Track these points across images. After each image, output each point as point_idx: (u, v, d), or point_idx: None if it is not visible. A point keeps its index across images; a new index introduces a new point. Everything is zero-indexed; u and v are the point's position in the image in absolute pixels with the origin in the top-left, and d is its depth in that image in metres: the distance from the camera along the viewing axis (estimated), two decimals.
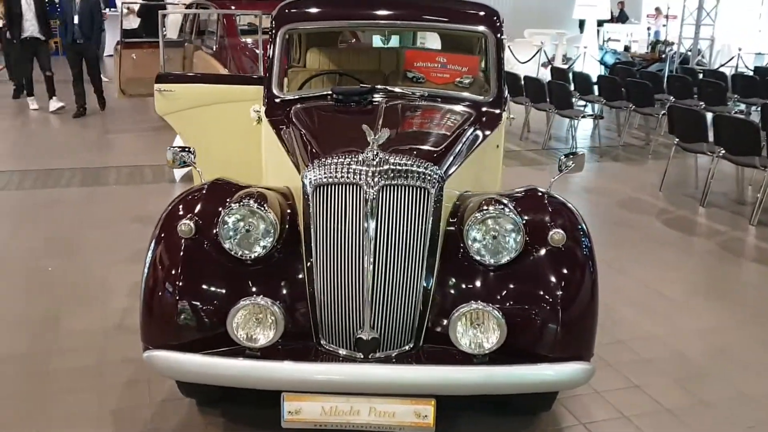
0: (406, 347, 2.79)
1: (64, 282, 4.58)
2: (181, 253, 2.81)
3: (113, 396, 3.31)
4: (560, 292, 2.75)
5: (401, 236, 2.74)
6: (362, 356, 2.73)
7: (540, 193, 3.09)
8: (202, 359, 2.67)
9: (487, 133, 3.89)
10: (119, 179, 7.17)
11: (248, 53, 8.37)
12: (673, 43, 16.02)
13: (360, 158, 2.75)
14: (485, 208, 2.82)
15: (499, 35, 4.24)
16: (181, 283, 2.76)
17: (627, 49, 17.62)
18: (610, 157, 8.93)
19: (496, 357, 2.70)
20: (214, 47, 8.88)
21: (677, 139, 7.18)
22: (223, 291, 2.76)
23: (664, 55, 15.55)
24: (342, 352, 2.76)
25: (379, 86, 4.05)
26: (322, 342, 2.80)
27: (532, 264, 2.81)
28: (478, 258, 2.81)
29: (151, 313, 2.79)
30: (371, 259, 2.69)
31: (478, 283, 2.81)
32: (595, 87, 10.36)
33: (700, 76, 11.73)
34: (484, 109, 4.04)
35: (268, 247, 2.82)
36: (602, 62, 15.57)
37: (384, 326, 2.75)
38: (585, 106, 10.73)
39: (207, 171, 3.22)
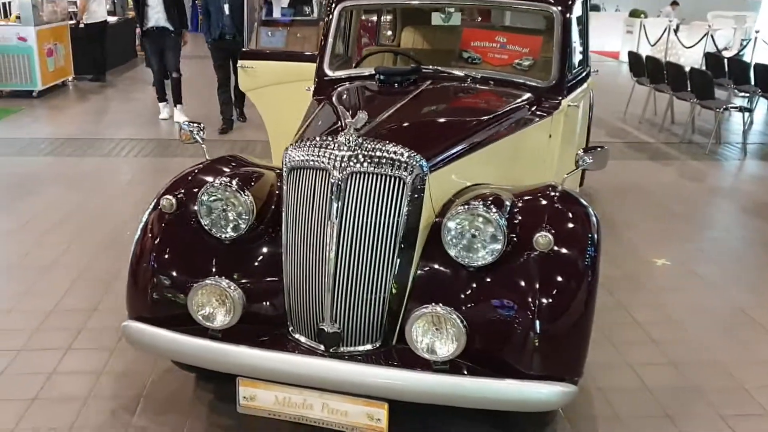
0: (372, 345, 2.63)
1: None
2: (160, 228, 2.83)
3: (122, 359, 3.42)
4: (539, 302, 2.46)
5: (369, 227, 2.57)
6: (324, 349, 2.61)
7: (551, 193, 2.78)
8: (166, 335, 2.68)
9: (535, 121, 3.59)
10: None
11: (369, 30, 8.33)
12: None
13: (334, 142, 2.61)
14: (466, 204, 2.58)
15: (568, 14, 3.88)
16: (156, 258, 2.78)
17: None
18: (758, 156, 7.99)
19: (465, 366, 2.48)
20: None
21: None
22: (194, 268, 2.74)
23: None
24: (306, 342, 2.66)
25: (426, 67, 3.86)
26: (290, 330, 2.71)
27: (513, 268, 2.54)
28: (455, 257, 2.57)
29: (131, 284, 2.83)
30: (334, 249, 2.55)
31: (451, 284, 2.58)
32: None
33: None
34: (537, 95, 3.72)
35: (242, 229, 2.76)
36: None
37: (348, 320, 2.60)
38: (747, 96, 9.67)
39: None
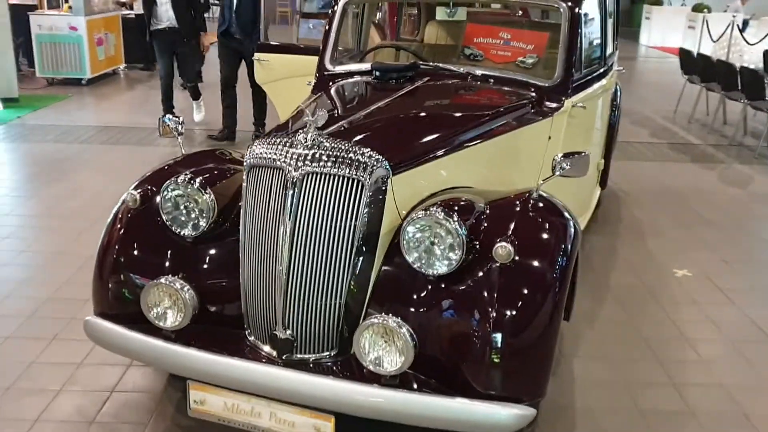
0: (327, 353, 2.53)
1: None
2: (123, 224, 2.79)
3: (102, 352, 3.38)
4: (496, 316, 2.31)
5: (325, 230, 2.46)
6: (276, 355, 2.52)
7: (528, 200, 2.61)
8: (120, 332, 2.64)
9: (532, 121, 3.42)
10: None
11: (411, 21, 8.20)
12: None
13: (293, 140, 2.51)
14: (426, 210, 2.45)
15: (576, 10, 3.69)
16: (117, 254, 2.75)
17: None
18: None
19: (421, 381, 2.36)
20: (378, 16, 8.83)
21: None
22: (152, 266, 2.70)
23: None
24: (261, 348, 2.58)
25: (426, 63, 3.73)
26: (247, 334, 2.64)
27: (472, 279, 2.39)
28: (412, 263, 2.44)
29: (95, 278, 2.81)
30: (287, 251, 2.46)
31: (409, 293, 2.45)
32: None
33: None
34: (539, 94, 3.54)
35: (201, 228, 2.70)
36: None
37: (301, 326, 2.50)
38: None
39: None
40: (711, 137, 8.37)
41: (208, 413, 2.56)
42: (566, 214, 2.66)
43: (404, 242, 2.45)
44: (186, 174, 2.74)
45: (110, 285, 2.73)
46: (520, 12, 6.83)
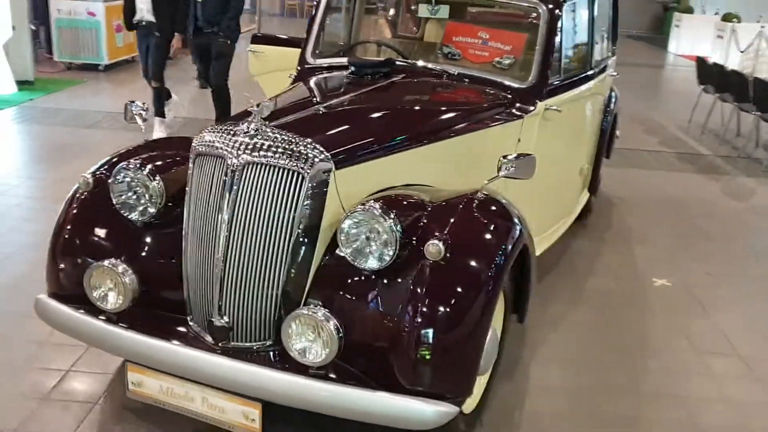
0: (264, 342, 2.55)
1: None
2: (76, 206, 2.83)
3: None
4: (424, 314, 2.31)
5: (262, 220, 2.47)
6: (213, 342, 2.55)
7: (473, 200, 2.60)
8: (64, 312, 2.68)
9: (500, 123, 3.41)
10: None
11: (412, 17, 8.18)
12: None
13: (236, 129, 2.54)
14: (363, 204, 2.45)
15: (556, 12, 3.66)
16: (67, 235, 2.80)
17: None
18: None
19: (349, 374, 2.37)
20: (391, 11, 8.82)
21: None
22: (100, 249, 2.74)
23: None
24: (199, 333, 2.60)
25: (403, 61, 3.73)
26: (189, 319, 2.67)
27: (403, 276, 2.39)
28: (347, 257, 2.45)
29: (48, 259, 2.85)
30: (223, 240, 2.48)
31: (343, 287, 2.46)
32: None
33: None
34: (512, 96, 3.52)
35: (149, 213, 2.74)
36: None
37: (238, 314, 2.53)
38: None
39: None
40: (722, 148, 8.23)
41: (144, 395, 2.60)
42: (511, 215, 2.65)
43: (341, 236, 2.46)
44: (137, 160, 2.78)
45: (61, 265, 2.77)
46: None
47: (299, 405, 2.36)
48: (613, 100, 5.28)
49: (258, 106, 2.53)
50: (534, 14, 3.67)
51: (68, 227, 2.80)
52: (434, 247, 2.33)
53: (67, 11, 10.33)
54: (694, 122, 9.28)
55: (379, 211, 2.41)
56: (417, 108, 3.27)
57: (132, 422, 2.86)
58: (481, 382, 2.86)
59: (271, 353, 2.53)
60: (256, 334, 2.55)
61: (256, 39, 5.29)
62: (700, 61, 9.22)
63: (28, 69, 9.23)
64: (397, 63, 3.69)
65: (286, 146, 2.48)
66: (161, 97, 7.22)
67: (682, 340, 3.77)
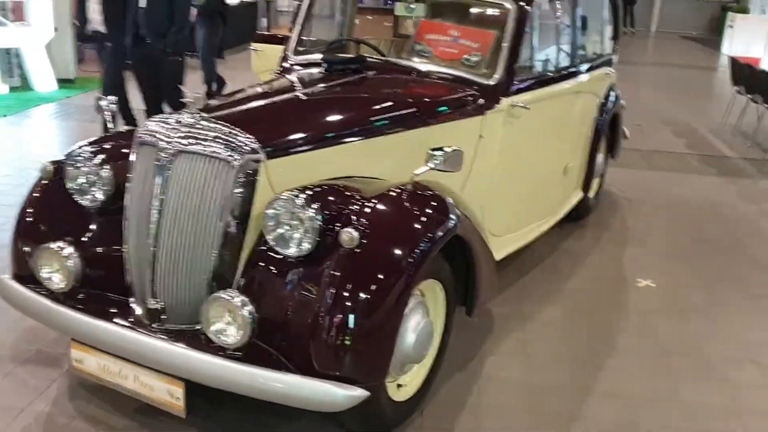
0: (196, 325, 2.65)
1: None
2: (36, 192, 3.02)
3: None
4: (336, 299, 2.39)
5: (191, 208, 2.60)
6: (148, 323, 2.68)
7: (400, 191, 2.67)
8: (17, 290, 2.86)
9: (459, 118, 3.45)
10: None
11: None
12: None
13: (170, 119, 2.67)
14: (288, 192, 2.54)
15: (525, 9, 3.68)
16: (27, 219, 2.98)
17: None
18: None
19: (270, 355, 2.46)
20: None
21: None
22: (53, 232, 2.90)
23: None
24: (138, 314, 2.73)
25: (372, 57, 3.81)
26: (131, 301, 2.80)
27: (321, 263, 2.47)
28: (270, 243, 2.55)
29: (12, 241, 3.03)
30: (155, 226, 2.62)
31: (268, 273, 2.56)
32: None
33: None
34: (478, 92, 3.56)
35: (99, 200, 2.89)
36: None
37: (170, 298, 2.66)
38: None
39: None
40: (751, 151, 8.00)
41: (85, 372, 2.75)
42: (441, 206, 2.70)
43: (265, 223, 2.55)
44: (93, 149, 2.94)
45: (20, 247, 2.95)
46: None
47: (216, 384, 2.46)
48: (612, 98, 5.22)
49: (192, 99, 2.65)
50: (503, 12, 3.70)
51: (29, 211, 2.98)
52: (347, 235, 2.41)
53: None
54: (728, 124, 9.05)
55: (301, 200, 2.50)
56: (370, 102, 3.34)
57: (83, 398, 3.00)
58: (417, 371, 2.93)
59: (202, 336, 2.63)
60: (188, 317, 2.66)
61: (257, 37, 5.45)
62: (733, 61, 8.98)
63: (69, 68, 9.65)
64: (369, 60, 3.77)
65: (216, 136, 2.59)
66: (123, 108, 6.55)
67: (650, 341, 3.73)
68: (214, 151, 2.57)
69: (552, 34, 4.07)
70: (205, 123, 2.62)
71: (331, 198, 2.60)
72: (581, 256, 4.77)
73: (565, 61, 4.27)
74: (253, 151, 2.60)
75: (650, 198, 6.10)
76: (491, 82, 3.60)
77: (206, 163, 2.58)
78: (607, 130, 5.29)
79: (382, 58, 3.85)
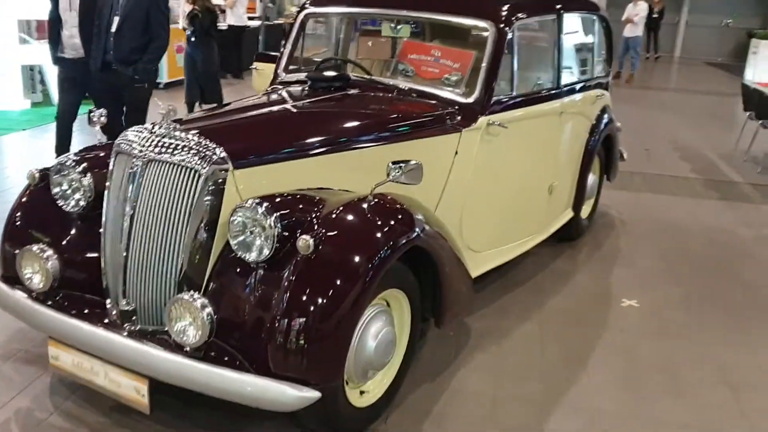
0: (165, 326, 2.78)
1: None
2: (24, 198, 3.18)
3: None
4: (290, 303, 2.50)
5: (160, 215, 2.74)
6: (120, 323, 2.81)
7: (360, 202, 2.78)
8: (2, 290, 3.00)
9: (434, 134, 3.56)
10: None
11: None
12: None
13: (144, 129, 2.82)
14: (249, 201, 2.67)
15: (505, 31, 3.78)
16: (13, 223, 3.14)
17: None
18: None
19: (229, 356, 2.57)
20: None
21: None
22: (36, 236, 3.06)
23: None
24: (112, 315, 2.86)
25: (356, 75, 3.95)
26: (107, 302, 2.93)
27: (279, 268, 2.60)
28: (233, 248, 2.67)
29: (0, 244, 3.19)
30: (126, 232, 2.76)
31: (231, 277, 2.68)
32: None
33: None
34: (457, 110, 3.67)
35: (81, 206, 3.05)
36: None
37: (140, 300, 2.79)
38: None
39: None
40: (760, 177, 7.97)
41: (61, 368, 2.88)
42: (403, 217, 2.80)
43: (229, 229, 2.68)
44: (77, 158, 3.10)
45: (7, 249, 3.11)
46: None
47: (175, 381, 2.58)
48: (604, 120, 5.29)
49: (165, 111, 2.80)
50: (484, 33, 3.81)
51: (16, 215, 3.14)
52: (303, 242, 2.52)
53: None
54: (739, 149, 9.04)
55: (262, 208, 2.62)
56: (346, 117, 3.46)
57: (62, 395, 3.14)
58: (381, 379, 3.02)
59: (168, 336, 2.74)
60: (158, 318, 2.79)
61: (259, 57, 5.62)
62: (744, 87, 8.98)
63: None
64: (353, 78, 3.90)
65: (186, 145, 2.73)
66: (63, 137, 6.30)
67: (624, 358, 3.76)
68: (182, 160, 2.71)
69: (535, 55, 4.17)
70: (176, 133, 2.76)
71: (293, 207, 2.72)
72: (568, 276, 4.82)
73: (548, 83, 4.36)
74: (221, 160, 2.73)
75: (647, 220, 6.12)
76: (469, 101, 3.71)
77: (175, 171, 2.72)
78: (601, 152, 5.35)
79: (366, 76, 3.97)
